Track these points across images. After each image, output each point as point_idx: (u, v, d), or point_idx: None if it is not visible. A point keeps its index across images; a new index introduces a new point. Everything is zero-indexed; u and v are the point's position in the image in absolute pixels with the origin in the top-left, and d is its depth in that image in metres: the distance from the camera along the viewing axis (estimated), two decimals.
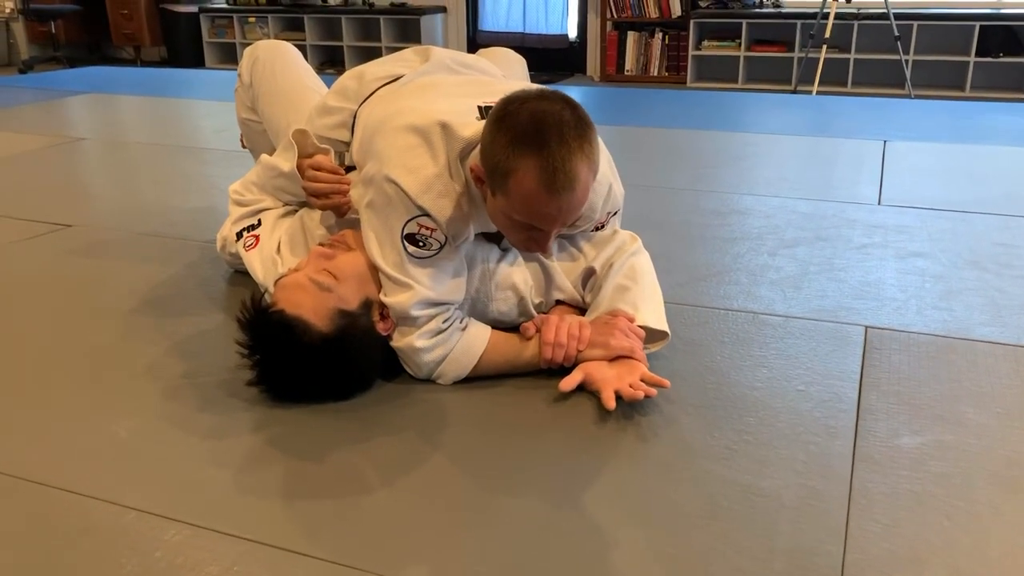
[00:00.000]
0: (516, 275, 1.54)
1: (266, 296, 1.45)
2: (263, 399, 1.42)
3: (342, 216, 1.61)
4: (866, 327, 1.68)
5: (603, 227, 1.61)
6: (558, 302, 1.58)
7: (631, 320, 1.47)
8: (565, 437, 1.32)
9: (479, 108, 1.43)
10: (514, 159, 1.25)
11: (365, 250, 1.46)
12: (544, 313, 1.56)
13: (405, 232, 1.39)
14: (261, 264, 1.69)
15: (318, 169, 1.60)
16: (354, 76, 1.78)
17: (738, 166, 2.99)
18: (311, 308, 1.37)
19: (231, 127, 2.59)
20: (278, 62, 2.05)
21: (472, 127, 1.38)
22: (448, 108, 1.43)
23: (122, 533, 1.11)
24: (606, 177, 1.52)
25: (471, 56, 1.89)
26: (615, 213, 1.62)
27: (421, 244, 1.40)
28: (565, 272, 1.57)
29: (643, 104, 4.43)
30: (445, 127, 1.39)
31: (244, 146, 2.24)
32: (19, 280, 1.99)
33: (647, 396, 1.35)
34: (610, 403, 1.34)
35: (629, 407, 1.38)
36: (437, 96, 1.53)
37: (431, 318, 1.42)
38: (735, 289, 1.88)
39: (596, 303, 1.53)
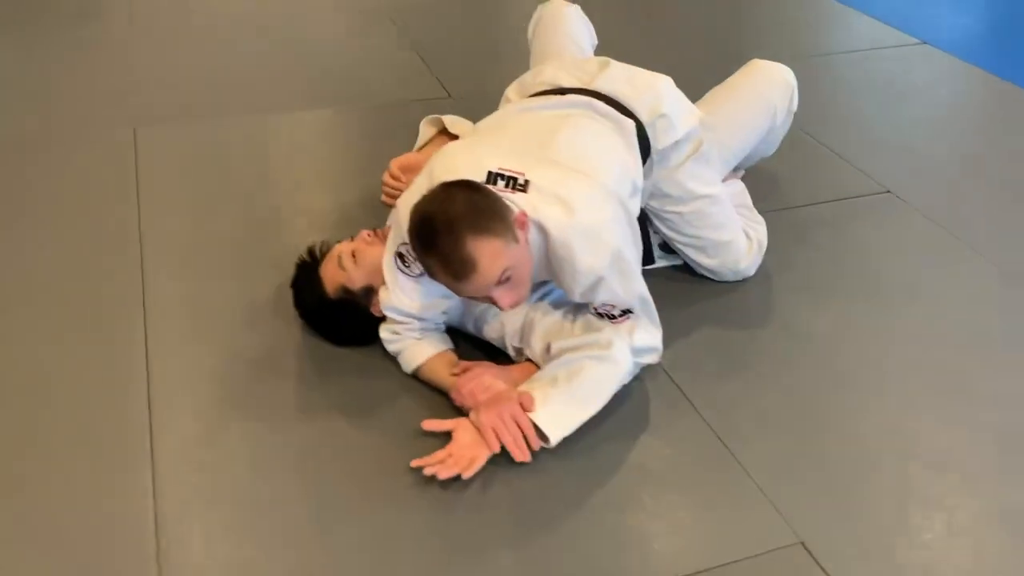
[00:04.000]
0: (507, 317, 1.79)
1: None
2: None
3: None
4: None
5: (614, 317, 1.69)
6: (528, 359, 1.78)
7: (527, 409, 1.60)
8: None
9: (489, 172, 1.64)
10: (422, 259, 1.54)
11: None
12: (518, 360, 1.80)
13: (397, 250, 1.71)
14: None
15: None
16: (536, 71, 2.03)
17: None
18: (328, 276, 1.82)
19: None
20: (550, 28, 2.32)
21: None
22: (469, 168, 1.65)
23: None
24: (593, 270, 1.61)
25: (645, 75, 1.98)
26: (626, 313, 1.68)
27: (407, 264, 1.71)
28: (551, 331, 1.75)
29: None
30: None
31: None
32: None
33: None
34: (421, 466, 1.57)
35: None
36: (484, 148, 1.76)
37: (396, 322, 1.77)
38: None
39: (534, 376, 1.69)
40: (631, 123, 1.86)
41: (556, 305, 1.79)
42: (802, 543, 1.53)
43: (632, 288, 1.68)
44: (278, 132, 2.76)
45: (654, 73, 2.00)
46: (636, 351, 1.72)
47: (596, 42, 2.42)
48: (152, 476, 1.59)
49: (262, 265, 2.09)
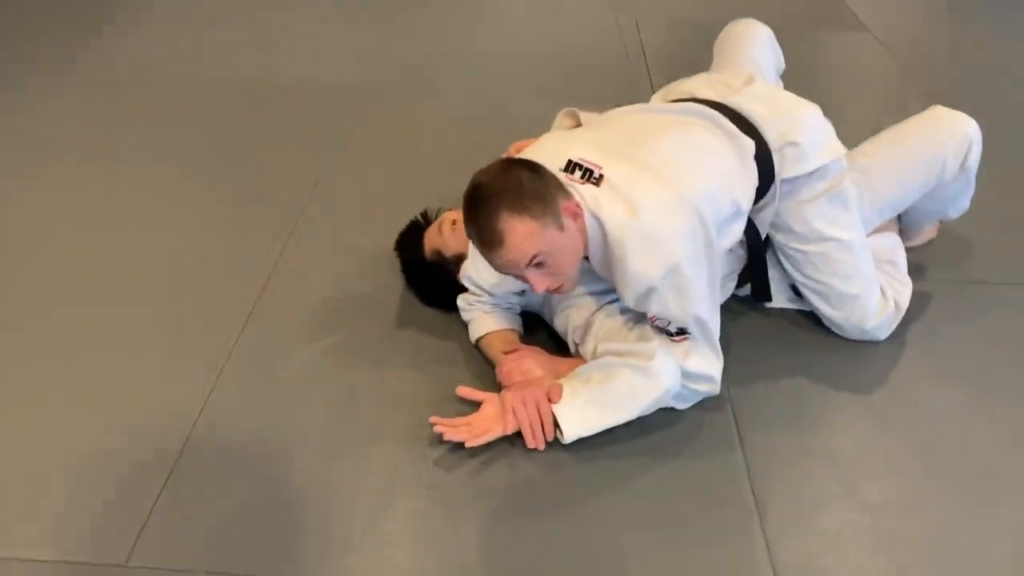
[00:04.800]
0: (572, 312, 1.82)
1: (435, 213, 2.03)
2: None
3: None
4: None
5: (671, 335, 1.64)
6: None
7: (552, 400, 1.62)
8: None
9: (569, 160, 1.67)
10: (465, 225, 1.58)
11: None
12: (574, 356, 1.81)
13: None
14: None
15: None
16: (684, 80, 2.01)
17: None
18: (428, 239, 1.94)
19: None
20: (734, 43, 2.27)
21: None
22: (555, 153, 1.68)
23: None
24: (645, 277, 1.57)
25: (789, 99, 1.89)
26: (683, 332, 1.63)
27: None
28: (606, 334, 1.75)
29: None
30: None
31: None
32: None
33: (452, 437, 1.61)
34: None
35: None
36: (580, 138, 1.78)
37: (472, 293, 1.85)
38: None
39: (574, 372, 1.69)
40: (751, 143, 1.76)
41: (622, 311, 1.76)
42: None
43: (688, 308, 1.61)
44: (493, 117, 2.90)
45: (801, 99, 1.88)
46: (688, 375, 1.66)
47: (783, 68, 2.31)
48: (222, 368, 1.83)
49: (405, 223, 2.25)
